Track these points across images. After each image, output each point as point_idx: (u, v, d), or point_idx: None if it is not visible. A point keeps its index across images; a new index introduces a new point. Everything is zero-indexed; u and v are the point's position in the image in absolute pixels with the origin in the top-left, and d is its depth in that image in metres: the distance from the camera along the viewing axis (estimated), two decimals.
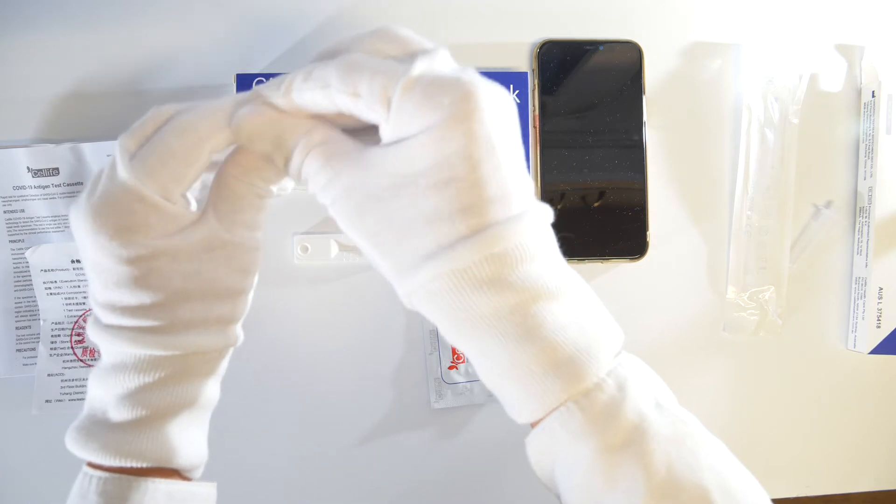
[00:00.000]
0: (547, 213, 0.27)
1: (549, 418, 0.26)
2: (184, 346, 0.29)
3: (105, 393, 0.29)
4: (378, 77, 0.25)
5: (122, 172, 0.27)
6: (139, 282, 0.28)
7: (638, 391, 0.26)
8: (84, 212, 0.27)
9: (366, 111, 0.26)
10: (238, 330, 0.31)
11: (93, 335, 0.29)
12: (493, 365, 0.26)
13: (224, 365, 0.32)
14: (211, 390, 0.31)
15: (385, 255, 0.26)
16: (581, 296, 0.27)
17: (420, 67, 0.25)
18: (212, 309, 0.29)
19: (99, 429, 0.29)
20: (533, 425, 0.27)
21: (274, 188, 0.30)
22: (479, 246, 0.24)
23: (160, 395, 0.29)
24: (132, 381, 0.29)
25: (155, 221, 0.27)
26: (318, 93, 0.27)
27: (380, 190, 0.26)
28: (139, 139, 0.28)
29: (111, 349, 0.29)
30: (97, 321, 0.29)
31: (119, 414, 0.29)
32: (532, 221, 0.26)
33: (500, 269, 0.25)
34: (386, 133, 0.26)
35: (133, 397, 0.29)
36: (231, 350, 0.32)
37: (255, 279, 0.31)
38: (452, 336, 0.27)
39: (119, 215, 0.27)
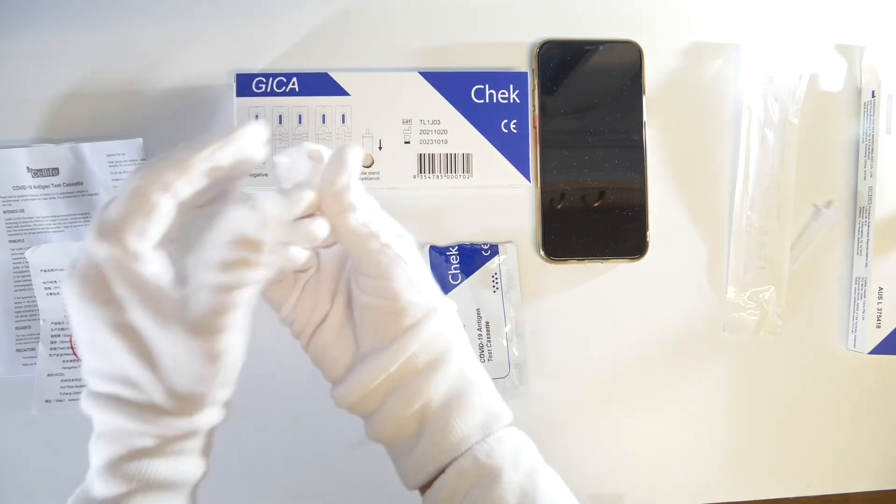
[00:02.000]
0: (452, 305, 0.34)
1: (467, 454, 0.31)
2: (145, 419, 0.28)
3: (92, 462, 0.29)
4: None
5: (88, 243, 0.27)
6: (110, 348, 0.27)
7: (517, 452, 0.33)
8: (65, 280, 0.27)
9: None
10: (209, 411, 0.30)
11: (81, 401, 0.29)
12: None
13: (204, 442, 0.30)
14: (189, 467, 0.30)
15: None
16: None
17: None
18: (173, 389, 0.28)
19: (81, 501, 0.28)
20: (422, 491, 0.33)
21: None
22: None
23: (134, 468, 0.28)
24: (107, 451, 0.28)
25: (120, 291, 0.27)
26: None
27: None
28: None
29: (95, 417, 0.29)
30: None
31: (97, 485, 0.28)
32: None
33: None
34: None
35: (109, 469, 0.28)
36: (214, 429, 0.31)
37: (233, 358, 0.29)
38: None
39: (86, 283, 0.27)
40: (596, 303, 0.47)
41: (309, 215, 0.31)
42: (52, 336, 0.43)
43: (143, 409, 0.28)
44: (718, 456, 0.49)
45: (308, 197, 0.30)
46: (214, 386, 0.29)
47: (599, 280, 0.48)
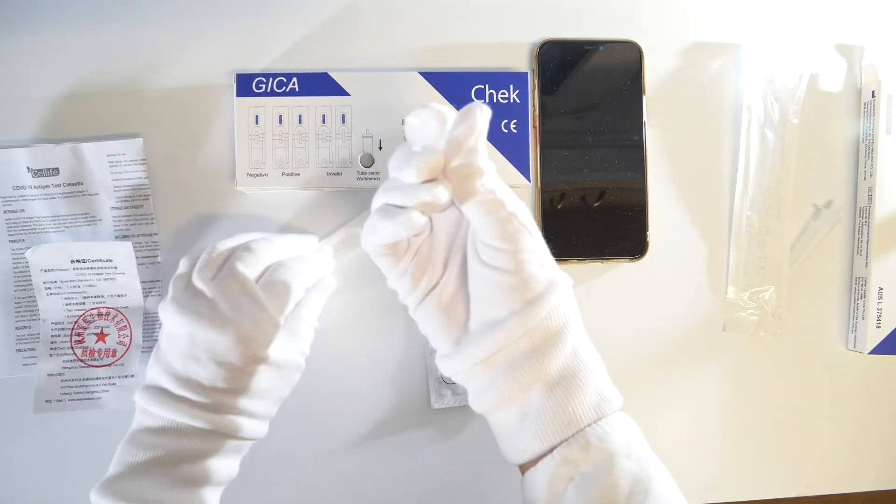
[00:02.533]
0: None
1: (578, 436, 0.31)
2: (226, 428, 0.33)
3: (139, 453, 0.31)
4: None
5: (248, 305, 0.34)
6: (230, 377, 0.33)
7: (627, 438, 0.32)
8: (225, 326, 0.33)
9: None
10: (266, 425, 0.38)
11: (144, 400, 0.32)
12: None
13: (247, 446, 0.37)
14: (234, 468, 0.36)
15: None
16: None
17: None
18: (266, 406, 0.36)
19: (134, 486, 0.31)
20: (524, 469, 0.32)
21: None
22: None
23: (194, 468, 0.32)
24: (177, 444, 0.32)
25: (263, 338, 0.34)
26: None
27: None
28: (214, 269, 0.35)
29: (161, 414, 0.32)
30: (155, 388, 0.33)
31: (154, 474, 0.31)
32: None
33: None
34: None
35: (165, 459, 0.31)
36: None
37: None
38: None
39: (250, 329, 0.33)
40: (596, 303, 0.47)
41: (431, 179, 0.30)
42: (52, 336, 0.43)
43: (203, 409, 0.33)
44: (718, 456, 0.49)
45: (436, 161, 0.29)
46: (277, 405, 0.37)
47: (599, 280, 0.48)
